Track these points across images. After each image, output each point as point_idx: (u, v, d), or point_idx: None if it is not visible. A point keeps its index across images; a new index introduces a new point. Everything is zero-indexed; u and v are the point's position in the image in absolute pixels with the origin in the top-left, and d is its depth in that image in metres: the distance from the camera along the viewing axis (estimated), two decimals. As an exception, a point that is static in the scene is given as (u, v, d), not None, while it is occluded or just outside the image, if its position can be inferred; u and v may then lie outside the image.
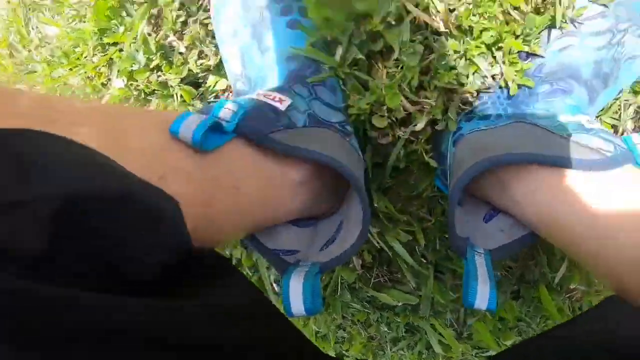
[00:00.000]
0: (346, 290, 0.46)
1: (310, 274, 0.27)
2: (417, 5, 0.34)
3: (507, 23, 0.33)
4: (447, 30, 0.34)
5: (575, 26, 0.33)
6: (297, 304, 0.25)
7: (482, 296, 0.25)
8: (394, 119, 0.37)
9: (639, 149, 0.26)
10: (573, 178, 0.26)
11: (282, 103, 0.31)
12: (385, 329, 0.51)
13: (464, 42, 0.33)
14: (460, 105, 0.34)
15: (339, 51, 0.36)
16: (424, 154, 0.37)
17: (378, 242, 0.40)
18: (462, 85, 0.34)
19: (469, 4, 0.33)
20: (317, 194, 0.33)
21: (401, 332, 0.50)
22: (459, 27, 0.33)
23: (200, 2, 0.41)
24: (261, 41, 0.36)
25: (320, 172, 0.32)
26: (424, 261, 0.43)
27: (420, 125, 0.35)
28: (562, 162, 0.25)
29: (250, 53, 0.36)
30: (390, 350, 0.52)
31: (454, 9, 0.33)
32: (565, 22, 0.32)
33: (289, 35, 0.36)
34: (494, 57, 0.34)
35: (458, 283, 0.44)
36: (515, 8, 0.33)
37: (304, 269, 0.27)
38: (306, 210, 0.33)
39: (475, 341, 0.51)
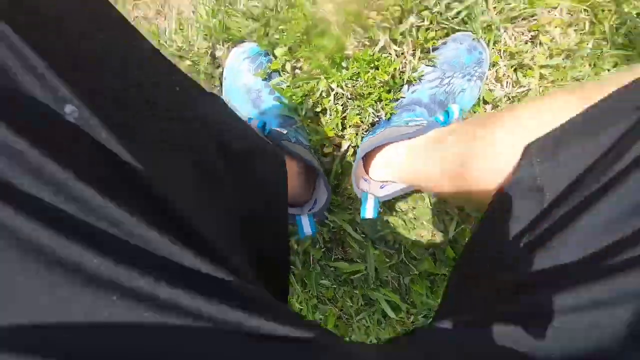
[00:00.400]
0: (317, 264, 0.68)
1: (310, 215, 0.53)
2: (337, 85, 0.65)
3: (383, 85, 0.64)
4: (352, 96, 0.65)
5: (419, 80, 0.64)
6: (307, 228, 0.52)
7: (369, 211, 0.50)
8: (334, 146, 0.66)
9: (439, 118, 0.53)
10: (410, 144, 0.53)
11: (284, 130, 0.60)
12: (349, 303, 0.71)
13: (362, 101, 0.64)
14: (362, 132, 0.63)
15: (302, 112, 0.67)
16: (352, 162, 0.65)
17: (332, 222, 0.65)
18: (363, 122, 0.63)
19: (362, 81, 0.64)
20: (302, 184, 0.59)
21: (361, 303, 0.70)
22: (358, 94, 0.64)
23: (212, 89, 0.73)
24: (259, 108, 0.66)
25: (304, 169, 0.59)
26: (364, 236, 0.67)
27: (345, 147, 0.64)
28: (401, 138, 0.52)
29: (252, 115, 0.66)
30: (355, 321, 0.71)
31: (354, 85, 0.65)
32: (413, 79, 0.63)
33: (275, 104, 0.66)
34: (380, 104, 0.64)
35: (389, 250, 0.67)
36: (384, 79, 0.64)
37: (305, 213, 0.53)
38: (297, 195, 0.59)
39: (419, 308, 0.71)
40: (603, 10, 0.73)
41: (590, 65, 0.70)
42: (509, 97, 0.67)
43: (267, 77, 0.68)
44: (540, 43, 0.68)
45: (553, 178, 0.29)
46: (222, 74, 0.71)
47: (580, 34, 0.71)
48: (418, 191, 0.65)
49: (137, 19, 0.81)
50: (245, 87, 0.67)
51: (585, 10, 0.72)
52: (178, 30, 0.77)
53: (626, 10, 0.75)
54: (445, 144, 0.46)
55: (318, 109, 0.67)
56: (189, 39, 0.75)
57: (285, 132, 0.60)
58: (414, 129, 0.53)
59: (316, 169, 0.57)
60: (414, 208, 0.67)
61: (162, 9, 0.80)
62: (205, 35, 0.74)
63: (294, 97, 0.66)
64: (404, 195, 0.66)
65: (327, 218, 0.66)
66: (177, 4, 0.80)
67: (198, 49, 0.75)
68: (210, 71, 0.73)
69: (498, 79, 0.67)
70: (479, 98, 0.66)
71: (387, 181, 0.58)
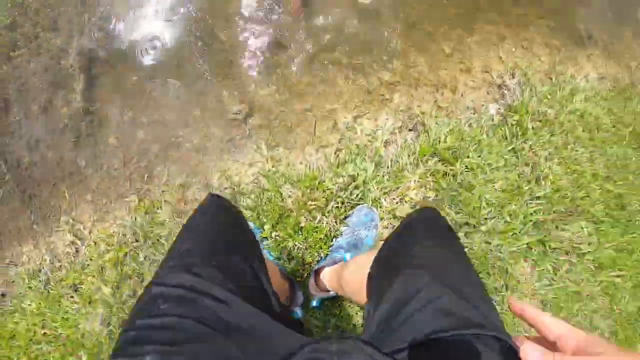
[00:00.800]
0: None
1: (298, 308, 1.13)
2: (297, 243, 1.28)
3: (321, 240, 1.27)
4: (305, 248, 1.28)
5: (341, 234, 1.27)
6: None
7: (314, 304, 1.10)
8: (300, 274, 1.28)
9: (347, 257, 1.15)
10: (329, 271, 1.14)
11: (278, 267, 1.22)
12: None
13: (311, 250, 1.27)
14: (313, 265, 1.25)
15: (282, 258, 1.29)
16: (311, 285, 1.26)
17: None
18: (312, 260, 1.25)
19: (310, 239, 1.27)
20: (288, 293, 1.19)
21: None
22: (309, 246, 1.27)
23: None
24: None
25: (289, 283, 1.19)
26: (320, 325, 1.25)
27: (305, 274, 1.26)
28: (330, 265, 1.14)
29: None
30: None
31: (306, 242, 1.27)
32: (337, 235, 1.26)
33: (267, 256, 1.28)
34: (321, 250, 1.26)
35: (339, 331, 1.25)
36: (321, 236, 1.27)
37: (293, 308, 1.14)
38: (287, 299, 1.19)
39: None
40: (439, 172, 1.38)
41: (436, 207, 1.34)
42: (392, 235, 1.29)
43: (260, 241, 1.31)
44: (405, 201, 1.32)
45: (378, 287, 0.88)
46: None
47: (428, 190, 1.35)
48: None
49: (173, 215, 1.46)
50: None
51: (431, 175, 1.37)
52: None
53: (458, 166, 1.40)
54: (340, 270, 1.08)
55: (290, 256, 1.29)
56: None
57: (283, 269, 1.22)
58: (334, 260, 1.15)
59: (295, 283, 1.17)
60: (350, 305, 1.26)
61: (186, 205, 1.46)
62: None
63: (276, 251, 1.28)
64: (342, 300, 1.27)
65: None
66: (198, 197, 1.45)
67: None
68: (228, 238, 1.36)
69: (385, 227, 1.30)
70: (375, 239, 1.29)
71: (327, 290, 1.19)
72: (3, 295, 1.89)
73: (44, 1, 2.01)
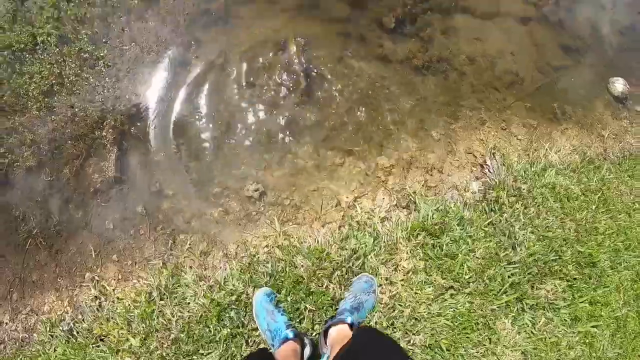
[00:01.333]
0: None
1: None
2: (309, 305, 1.60)
3: (329, 303, 1.59)
4: (315, 309, 1.60)
5: (345, 300, 1.59)
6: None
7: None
8: (311, 334, 1.59)
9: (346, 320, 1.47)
10: (337, 329, 1.46)
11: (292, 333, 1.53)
12: None
13: (320, 311, 1.59)
14: (322, 325, 1.56)
15: (296, 319, 1.60)
16: (319, 343, 1.57)
17: None
18: (321, 319, 1.57)
19: (319, 302, 1.59)
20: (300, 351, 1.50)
21: None
22: (318, 308, 1.59)
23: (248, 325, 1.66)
24: (274, 320, 1.59)
25: (301, 342, 1.50)
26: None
27: (315, 333, 1.57)
28: (334, 325, 1.45)
29: (271, 328, 1.59)
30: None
31: (316, 303, 1.59)
32: (341, 298, 1.59)
33: (283, 318, 1.59)
34: (327, 311, 1.58)
35: None
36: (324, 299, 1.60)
37: None
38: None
39: None
40: (427, 244, 1.72)
41: (425, 273, 1.67)
42: (391, 297, 1.62)
43: (277, 304, 1.62)
44: (399, 270, 1.66)
45: None
46: (251, 303, 1.65)
47: (418, 259, 1.69)
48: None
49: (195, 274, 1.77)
50: (266, 311, 1.61)
51: (420, 247, 1.71)
52: (225, 281, 1.74)
53: (444, 239, 1.75)
54: (337, 337, 1.40)
55: (302, 317, 1.60)
56: (235, 286, 1.71)
57: (295, 331, 1.53)
58: (336, 319, 1.46)
59: (304, 340, 1.48)
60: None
61: (206, 270, 1.78)
62: (242, 282, 1.71)
63: (291, 314, 1.60)
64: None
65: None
66: (217, 264, 1.78)
67: (237, 289, 1.70)
68: (244, 298, 1.68)
69: (382, 292, 1.63)
70: (374, 303, 1.61)
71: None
72: (22, 340, 2.16)
73: (81, 74, 2.38)
